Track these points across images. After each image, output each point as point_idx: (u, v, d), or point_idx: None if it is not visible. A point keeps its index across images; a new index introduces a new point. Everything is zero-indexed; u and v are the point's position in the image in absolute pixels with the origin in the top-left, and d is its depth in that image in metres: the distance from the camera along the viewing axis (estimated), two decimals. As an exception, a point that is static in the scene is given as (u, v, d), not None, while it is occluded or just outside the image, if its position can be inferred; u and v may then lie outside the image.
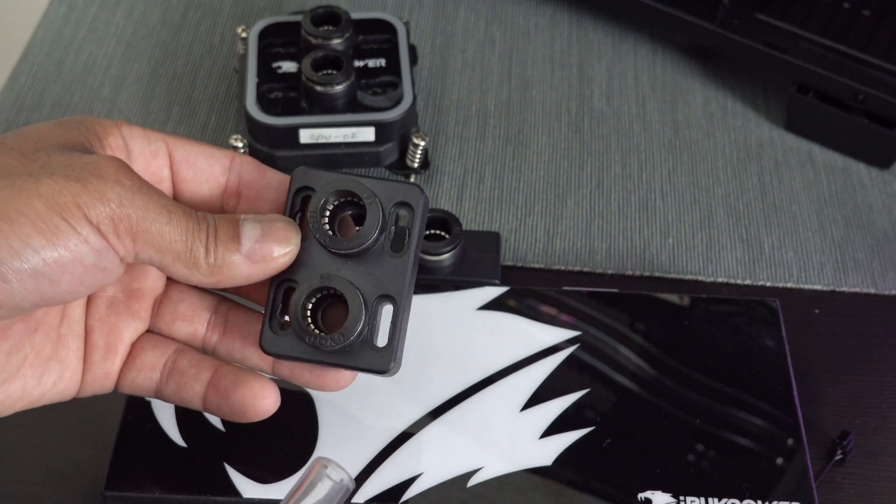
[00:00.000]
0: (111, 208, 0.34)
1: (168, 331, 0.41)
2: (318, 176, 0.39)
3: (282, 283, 0.39)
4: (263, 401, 0.39)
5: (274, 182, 0.40)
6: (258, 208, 0.40)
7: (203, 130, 0.62)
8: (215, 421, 0.46)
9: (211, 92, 0.64)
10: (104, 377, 0.40)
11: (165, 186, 0.40)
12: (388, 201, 0.38)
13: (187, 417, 0.46)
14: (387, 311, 0.39)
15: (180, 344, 0.41)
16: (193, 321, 0.41)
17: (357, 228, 0.39)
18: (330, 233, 0.38)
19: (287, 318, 0.39)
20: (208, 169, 0.40)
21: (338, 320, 0.39)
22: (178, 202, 0.37)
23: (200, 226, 0.37)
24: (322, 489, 0.38)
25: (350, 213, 0.39)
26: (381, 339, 0.39)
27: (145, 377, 0.40)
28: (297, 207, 0.39)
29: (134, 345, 0.41)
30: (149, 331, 0.41)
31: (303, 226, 0.39)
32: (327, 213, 0.39)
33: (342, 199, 0.39)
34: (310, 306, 0.39)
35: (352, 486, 0.39)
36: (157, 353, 0.40)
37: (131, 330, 0.41)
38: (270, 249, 0.37)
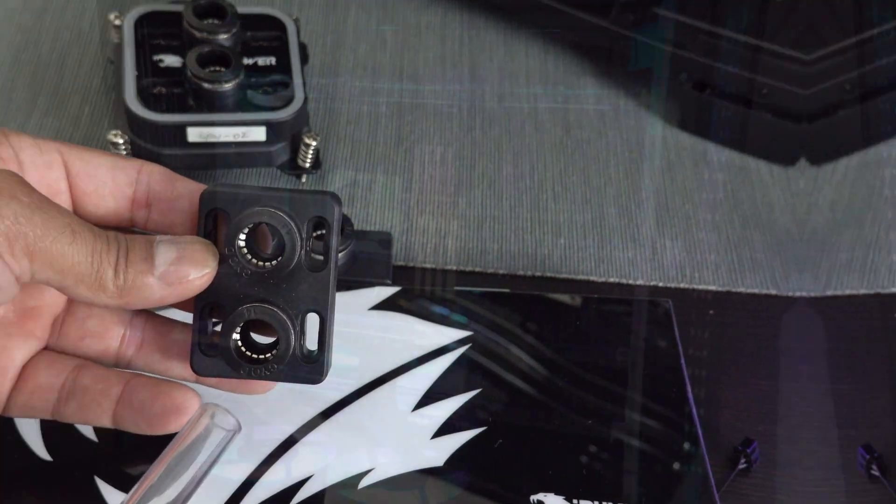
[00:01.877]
0: (6, 225, 0.33)
1: (74, 349, 0.40)
2: (228, 197, 0.38)
3: (206, 305, 0.38)
4: (189, 411, 0.38)
5: (185, 192, 0.39)
6: (170, 220, 0.39)
7: (75, 123, 0.59)
8: (86, 430, 0.43)
9: (82, 82, 0.62)
10: None
11: (63, 200, 0.38)
12: (302, 217, 0.38)
13: (54, 428, 0.43)
14: (311, 319, 0.39)
15: (80, 360, 0.39)
16: (105, 337, 0.40)
17: (272, 257, 0.38)
18: (249, 260, 0.38)
19: (215, 340, 0.39)
20: (112, 181, 0.39)
21: (269, 330, 0.39)
22: (85, 221, 0.36)
23: (110, 247, 0.35)
24: (213, 440, 0.38)
25: (265, 222, 0.38)
26: (311, 349, 0.39)
27: (40, 399, 0.39)
28: (209, 227, 0.38)
29: (26, 366, 0.39)
30: (46, 348, 0.40)
31: (219, 246, 0.38)
32: (242, 242, 0.38)
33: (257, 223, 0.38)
34: (238, 336, 0.38)
35: (239, 429, 0.39)
36: (54, 373, 0.39)
37: (24, 351, 0.39)
38: (186, 272, 0.36)
